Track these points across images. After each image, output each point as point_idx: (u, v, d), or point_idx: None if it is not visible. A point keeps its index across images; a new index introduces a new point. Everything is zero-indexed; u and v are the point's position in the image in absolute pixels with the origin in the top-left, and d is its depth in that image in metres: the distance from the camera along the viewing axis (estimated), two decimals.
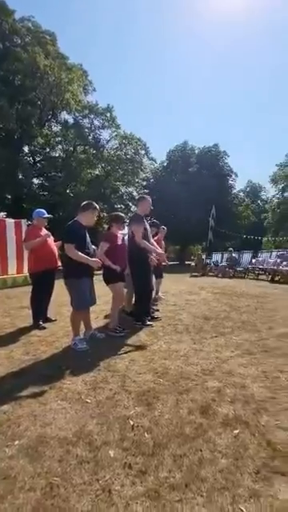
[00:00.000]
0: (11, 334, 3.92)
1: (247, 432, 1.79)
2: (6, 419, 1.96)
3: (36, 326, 4.14)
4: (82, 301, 3.36)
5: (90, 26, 62.72)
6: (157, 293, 6.75)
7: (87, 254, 3.31)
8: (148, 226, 4.36)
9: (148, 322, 4.22)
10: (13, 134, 19.12)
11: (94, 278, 3.59)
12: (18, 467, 1.54)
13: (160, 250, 4.28)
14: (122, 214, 4.15)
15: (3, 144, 18.05)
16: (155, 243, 5.04)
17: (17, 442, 1.74)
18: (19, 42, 19.69)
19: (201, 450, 1.63)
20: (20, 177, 19.72)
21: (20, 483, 1.43)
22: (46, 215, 4.44)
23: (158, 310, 5.22)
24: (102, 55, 64.78)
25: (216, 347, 3.34)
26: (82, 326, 3.65)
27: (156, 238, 6.90)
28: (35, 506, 1.31)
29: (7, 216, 16.02)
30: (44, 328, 4.09)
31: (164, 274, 7.02)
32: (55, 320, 4.47)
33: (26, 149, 21.82)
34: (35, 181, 22.11)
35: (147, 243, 4.08)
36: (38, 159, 22.68)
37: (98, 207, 3.53)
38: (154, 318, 4.45)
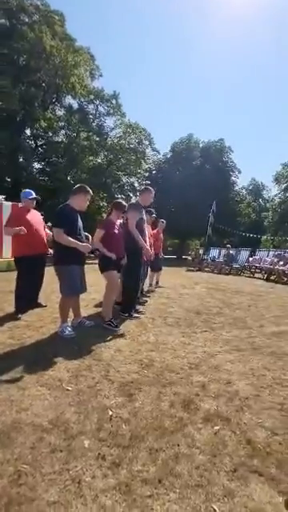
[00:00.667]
0: None
1: (228, 429, 1.75)
2: None
3: (15, 314, 3.87)
4: (71, 288, 3.27)
5: (99, 10, 61.03)
6: (150, 285, 6.71)
7: (78, 239, 3.21)
8: (145, 217, 4.25)
9: (135, 315, 4.15)
10: (15, 116, 18.70)
11: (88, 267, 3.50)
12: None
13: (147, 246, 4.11)
14: (124, 202, 3.91)
15: (4, 125, 17.65)
16: (148, 235, 4.94)
17: None
18: (26, 20, 19.10)
19: (178, 445, 1.58)
20: (20, 160, 19.39)
21: None
22: (33, 196, 4.13)
23: (146, 302, 5.16)
24: (110, 41, 63.28)
25: (205, 342, 3.29)
26: (71, 313, 3.59)
27: (155, 230, 6.83)
28: (0, 493, 1.25)
29: (6, 199, 15.81)
30: (19, 319, 3.77)
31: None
32: (45, 306, 4.37)
33: (27, 132, 21.41)
34: (36, 165, 21.80)
35: (138, 235, 3.94)
36: (39, 143, 22.30)
37: (90, 191, 3.40)
38: (137, 312, 4.34)
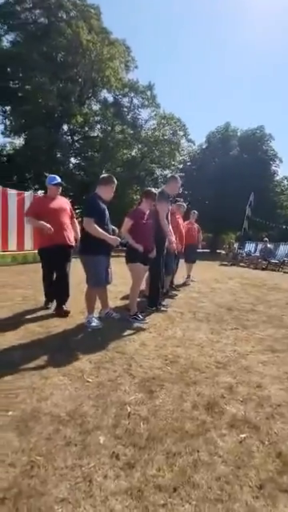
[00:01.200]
0: (31, 306, 3.98)
1: (255, 438, 1.58)
2: (5, 388, 1.94)
3: (45, 305, 3.88)
4: (98, 279, 3.24)
5: (135, 2, 60.30)
6: (188, 276, 6.54)
7: (106, 230, 3.16)
8: (169, 207, 4.10)
9: (162, 308, 4.03)
10: (53, 112, 19.30)
11: (117, 259, 3.46)
12: (5, 439, 1.49)
13: (173, 238, 3.97)
14: (155, 191, 3.74)
15: (43, 122, 18.32)
16: (180, 226, 4.77)
17: (10, 413, 1.70)
18: (64, 16, 19.49)
19: (198, 451, 1.45)
20: (58, 155, 20.06)
21: (2, 456, 1.38)
22: (58, 181, 3.75)
23: (176, 295, 5.02)
24: (145, 30, 62.30)
25: (235, 340, 3.08)
26: (99, 304, 3.59)
27: (187, 221, 6.61)
28: (12, 483, 1.24)
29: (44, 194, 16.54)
30: (48, 308, 3.79)
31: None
32: (68, 312, 3.63)
33: (65, 127, 22.05)
34: (73, 160, 22.39)
35: (167, 227, 3.81)
36: (76, 138, 22.87)
37: (115, 181, 3.34)
38: (163, 305, 4.18)
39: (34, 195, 10.16)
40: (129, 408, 1.79)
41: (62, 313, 3.60)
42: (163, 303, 4.32)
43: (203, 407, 1.84)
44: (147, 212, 3.61)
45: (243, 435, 1.60)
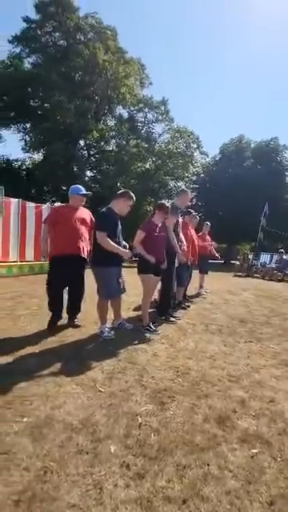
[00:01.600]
0: (45, 314, 4.07)
1: (267, 454, 1.56)
2: (21, 395, 2.00)
3: (49, 324, 3.51)
4: (108, 290, 3.30)
5: (149, 17, 62.65)
6: (201, 287, 6.53)
7: (117, 243, 3.23)
8: (180, 220, 4.17)
9: (171, 318, 4.03)
10: (70, 129, 20.04)
11: (130, 270, 3.53)
12: (20, 445, 1.54)
13: (179, 250, 4.03)
14: (168, 204, 3.82)
15: (61, 138, 19.06)
16: (191, 238, 4.81)
17: (25, 420, 1.76)
18: (82, 38, 20.46)
19: (208, 465, 1.45)
20: (75, 169, 20.71)
21: (18, 461, 1.43)
22: (84, 192, 3.61)
23: (189, 307, 5.00)
24: (160, 46, 64.27)
25: (248, 353, 3.05)
26: (112, 315, 3.64)
27: (201, 233, 6.65)
28: (26, 486, 1.28)
29: None
30: (52, 329, 3.44)
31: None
32: (78, 326, 3.60)
33: (81, 142, 22.79)
34: (88, 173, 23.02)
35: (174, 238, 3.88)
36: (92, 153, 23.55)
37: (133, 197, 3.39)
38: (173, 316, 4.21)
39: (51, 207, 10.54)
40: (140, 419, 1.81)
41: (73, 326, 3.60)
42: (176, 314, 4.34)
43: (214, 421, 1.84)
44: (160, 224, 3.67)
45: (255, 450, 1.58)
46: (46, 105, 19.91)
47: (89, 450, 1.52)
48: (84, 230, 3.58)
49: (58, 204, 19.22)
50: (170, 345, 3.18)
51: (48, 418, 1.78)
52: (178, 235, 3.95)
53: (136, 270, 3.63)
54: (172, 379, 2.37)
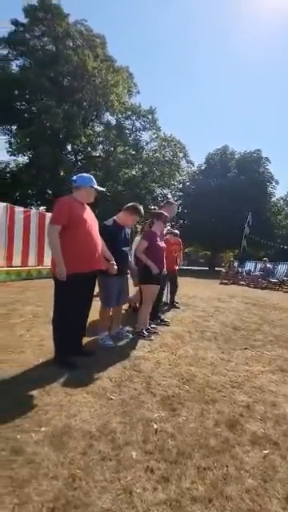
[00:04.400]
0: (43, 322, 4.05)
1: (277, 454, 1.68)
2: (34, 405, 2.02)
3: (65, 364, 2.63)
4: (109, 298, 3.35)
5: (137, 27, 63.81)
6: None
7: (120, 252, 3.28)
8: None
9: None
10: (58, 133, 20.02)
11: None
12: (43, 454, 1.57)
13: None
14: (166, 213, 3.89)
15: (49, 142, 18.96)
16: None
17: (43, 429, 1.78)
18: (71, 44, 20.59)
19: (227, 466, 1.55)
20: (61, 174, 20.57)
21: (44, 470, 1.46)
22: (96, 185, 2.83)
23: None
24: (148, 55, 65.47)
25: (245, 360, 3.19)
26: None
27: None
28: (57, 494, 1.33)
29: (47, 211, 16.86)
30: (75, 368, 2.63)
31: (192, 279, 6.95)
32: (92, 354, 2.96)
33: (69, 147, 22.77)
34: (75, 178, 22.94)
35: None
36: (79, 158, 23.57)
37: (140, 213, 3.41)
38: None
39: (40, 212, 10.43)
40: (155, 425, 1.88)
41: (85, 352, 2.92)
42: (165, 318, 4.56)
43: (224, 425, 1.94)
44: (159, 233, 3.79)
45: (266, 451, 1.70)
46: (33, 108, 19.78)
47: (112, 457, 1.58)
48: (99, 236, 2.89)
49: (42, 209, 18.90)
50: (171, 352, 3.27)
51: (65, 426, 1.82)
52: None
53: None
54: (178, 386, 2.46)
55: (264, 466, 1.58)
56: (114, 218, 3.42)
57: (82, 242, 2.63)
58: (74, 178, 2.81)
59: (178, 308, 5.74)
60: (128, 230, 3.56)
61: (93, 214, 2.89)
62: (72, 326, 2.77)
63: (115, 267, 3.07)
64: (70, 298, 2.63)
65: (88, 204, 2.89)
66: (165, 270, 3.93)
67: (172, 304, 5.83)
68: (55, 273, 2.56)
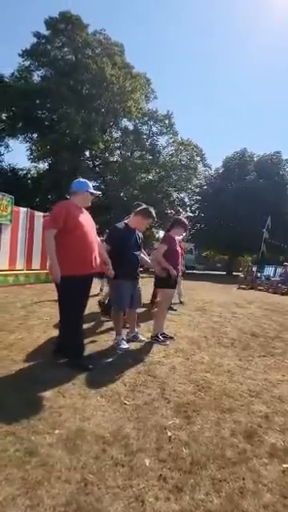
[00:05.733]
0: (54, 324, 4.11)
1: None
2: (49, 407, 2.04)
3: (79, 367, 2.67)
4: (120, 303, 3.36)
5: (155, 32, 64.64)
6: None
7: (130, 255, 3.30)
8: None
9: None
10: (77, 140, 20.48)
11: (146, 280, 3.57)
12: (56, 456, 1.57)
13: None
14: (184, 220, 3.89)
15: (68, 148, 19.44)
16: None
17: (57, 431, 1.79)
18: (90, 53, 21.12)
19: (243, 479, 1.49)
20: (80, 179, 21.01)
21: (57, 473, 1.46)
22: (92, 190, 2.88)
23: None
24: (165, 60, 66.06)
25: (264, 368, 3.08)
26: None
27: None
28: (69, 498, 1.32)
29: None
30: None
31: (209, 284, 6.85)
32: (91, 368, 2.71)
33: (87, 153, 23.23)
34: (93, 183, 23.35)
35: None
36: (97, 163, 23.97)
37: (152, 216, 3.42)
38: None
39: (58, 204, 10.65)
40: (169, 432, 1.85)
41: (86, 367, 2.70)
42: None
43: (241, 435, 1.87)
44: (177, 238, 3.77)
45: (285, 465, 1.62)
46: (53, 116, 20.39)
47: (124, 463, 1.56)
48: (97, 238, 2.97)
49: (63, 202, 19.17)
50: (186, 358, 3.21)
51: (79, 430, 1.82)
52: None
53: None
54: (194, 393, 2.40)
55: (283, 480, 1.50)
56: (126, 221, 3.43)
57: (79, 245, 2.68)
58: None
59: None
60: (140, 234, 3.55)
61: (90, 218, 2.94)
62: (79, 327, 2.86)
63: (112, 271, 3.07)
64: (72, 299, 2.71)
65: (86, 208, 2.94)
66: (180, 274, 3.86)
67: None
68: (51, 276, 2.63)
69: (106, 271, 3.09)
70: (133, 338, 3.65)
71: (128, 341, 3.51)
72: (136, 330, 3.77)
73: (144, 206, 3.49)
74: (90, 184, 2.92)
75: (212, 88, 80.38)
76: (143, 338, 3.67)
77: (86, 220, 2.82)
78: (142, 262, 3.51)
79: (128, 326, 3.71)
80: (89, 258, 2.74)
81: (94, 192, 2.93)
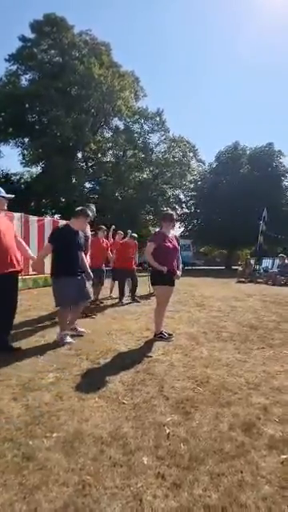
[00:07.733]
0: (52, 327, 4.10)
1: None
2: (47, 410, 2.03)
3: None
4: (59, 299, 3.43)
5: (142, 29, 64.39)
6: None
7: (74, 256, 3.45)
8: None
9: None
10: (68, 142, 20.42)
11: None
12: (54, 460, 1.57)
13: None
14: (172, 212, 3.96)
15: (60, 151, 19.37)
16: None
17: (55, 435, 1.78)
18: (77, 54, 21.02)
19: (241, 472, 1.49)
20: (73, 181, 20.96)
21: (54, 476, 1.45)
22: (4, 194, 3.17)
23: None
24: (153, 56, 65.80)
25: (263, 360, 3.08)
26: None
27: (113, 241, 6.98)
28: (67, 501, 1.31)
29: (61, 218, 17.16)
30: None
31: (208, 279, 6.85)
32: (18, 348, 3.20)
33: (79, 155, 23.17)
34: (87, 185, 23.32)
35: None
36: (90, 164, 23.91)
37: (90, 215, 3.69)
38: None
39: (54, 220, 10.64)
40: (167, 429, 1.84)
41: (13, 348, 3.18)
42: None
43: (240, 428, 1.87)
44: (169, 235, 3.73)
45: (284, 456, 1.61)
46: (43, 120, 20.31)
47: (122, 463, 1.55)
48: (13, 240, 3.21)
49: (57, 217, 19.34)
50: (185, 354, 3.21)
51: (77, 432, 1.81)
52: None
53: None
54: (192, 389, 2.40)
55: (282, 471, 1.50)
56: (68, 222, 3.63)
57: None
58: None
59: (139, 302, 6.12)
60: (82, 234, 3.69)
61: (7, 221, 3.36)
62: None
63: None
64: None
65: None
66: (179, 273, 3.79)
67: (133, 299, 6.29)
68: None
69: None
70: (71, 331, 3.71)
71: (73, 335, 3.61)
72: (74, 324, 3.82)
73: (81, 207, 3.71)
74: (2, 189, 3.22)
75: (202, 83, 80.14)
76: (82, 330, 3.81)
77: (2, 223, 3.15)
78: (81, 263, 3.60)
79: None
80: (5, 260, 3.04)
81: (6, 196, 3.21)
